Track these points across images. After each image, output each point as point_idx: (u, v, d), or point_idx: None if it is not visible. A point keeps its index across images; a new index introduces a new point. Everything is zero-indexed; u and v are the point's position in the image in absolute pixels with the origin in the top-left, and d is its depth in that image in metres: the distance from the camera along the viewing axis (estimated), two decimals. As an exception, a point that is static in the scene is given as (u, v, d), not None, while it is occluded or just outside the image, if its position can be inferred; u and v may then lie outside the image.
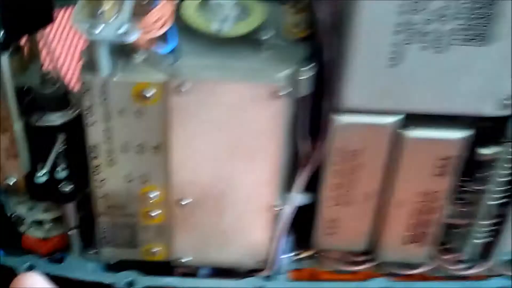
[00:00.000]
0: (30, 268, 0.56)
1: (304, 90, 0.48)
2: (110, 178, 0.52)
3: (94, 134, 0.50)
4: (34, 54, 0.55)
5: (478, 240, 0.56)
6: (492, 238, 0.56)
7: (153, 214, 0.54)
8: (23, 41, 0.54)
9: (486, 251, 0.57)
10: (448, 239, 0.57)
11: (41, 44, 0.56)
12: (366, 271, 0.59)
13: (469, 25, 0.44)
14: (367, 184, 0.53)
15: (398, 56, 0.45)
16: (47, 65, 0.56)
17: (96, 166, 0.52)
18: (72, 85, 0.55)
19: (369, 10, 0.45)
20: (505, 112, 0.48)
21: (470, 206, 0.55)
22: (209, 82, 0.47)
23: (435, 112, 0.49)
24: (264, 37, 0.50)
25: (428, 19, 0.44)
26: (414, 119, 0.50)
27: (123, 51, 0.48)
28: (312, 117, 0.51)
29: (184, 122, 0.49)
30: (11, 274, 0.52)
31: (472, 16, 0.44)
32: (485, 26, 0.44)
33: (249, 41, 0.50)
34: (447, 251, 0.58)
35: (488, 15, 0.44)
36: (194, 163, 0.52)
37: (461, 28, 0.44)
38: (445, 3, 0.44)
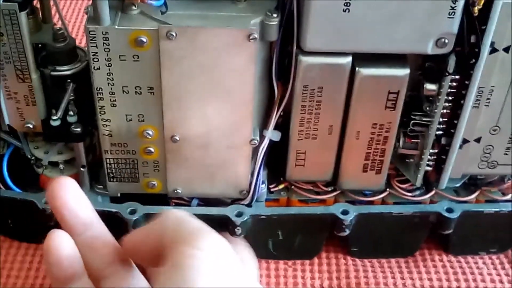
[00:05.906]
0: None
1: (273, 35, 0.48)
2: (113, 117, 0.52)
3: (99, 78, 0.50)
4: (46, 15, 0.55)
5: (427, 168, 0.55)
6: (439, 167, 0.55)
7: (150, 150, 0.54)
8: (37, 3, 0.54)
9: (433, 179, 0.57)
10: (403, 169, 0.57)
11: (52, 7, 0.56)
12: (332, 199, 0.58)
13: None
14: (329, 118, 0.52)
15: (350, 2, 0.46)
16: (57, 24, 0.55)
17: (101, 107, 0.51)
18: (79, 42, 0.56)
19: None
20: (445, 50, 0.48)
21: (420, 138, 0.54)
22: (192, 28, 0.47)
23: (383, 51, 0.49)
24: (240, -9, 0.49)
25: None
26: (366, 59, 0.49)
27: (122, 5, 0.48)
28: (283, 63, 0.51)
29: (172, 65, 0.49)
30: (34, 207, 0.53)
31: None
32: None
33: (227, -5, 0.49)
34: (402, 180, 0.58)
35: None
36: (182, 103, 0.51)
37: (402, -24, 0.44)
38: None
